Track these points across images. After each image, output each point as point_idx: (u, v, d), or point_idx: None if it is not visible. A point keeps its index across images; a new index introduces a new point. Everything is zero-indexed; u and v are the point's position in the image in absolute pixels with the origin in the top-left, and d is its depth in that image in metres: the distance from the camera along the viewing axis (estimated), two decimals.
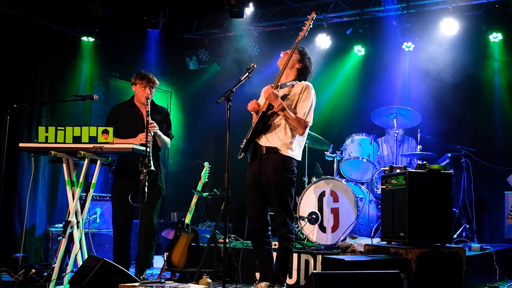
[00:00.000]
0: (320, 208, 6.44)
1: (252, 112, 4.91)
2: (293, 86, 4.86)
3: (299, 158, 4.86)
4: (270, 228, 4.81)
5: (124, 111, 5.69)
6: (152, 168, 5.03)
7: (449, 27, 7.49)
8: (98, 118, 8.00)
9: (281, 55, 4.97)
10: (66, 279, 4.96)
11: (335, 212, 6.36)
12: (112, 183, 5.72)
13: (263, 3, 8.26)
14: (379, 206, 6.36)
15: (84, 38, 7.68)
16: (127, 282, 4.41)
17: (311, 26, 4.85)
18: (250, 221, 4.79)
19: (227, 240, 4.74)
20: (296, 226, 6.38)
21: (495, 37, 7.35)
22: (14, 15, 6.95)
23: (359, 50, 8.23)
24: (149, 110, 5.32)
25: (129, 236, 5.61)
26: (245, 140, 4.76)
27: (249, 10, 8.04)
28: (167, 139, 5.69)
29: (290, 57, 4.80)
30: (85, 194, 5.31)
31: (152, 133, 5.32)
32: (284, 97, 4.78)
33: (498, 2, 7.16)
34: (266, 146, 4.76)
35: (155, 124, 5.40)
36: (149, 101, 5.40)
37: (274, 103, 4.68)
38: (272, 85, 4.76)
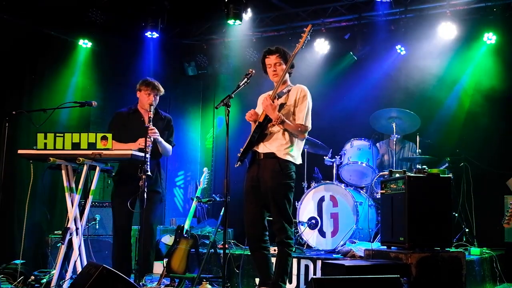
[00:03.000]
0: (320, 213, 6.43)
1: (250, 122, 4.90)
2: (289, 92, 4.85)
3: (298, 162, 4.84)
4: (267, 233, 4.79)
5: (127, 117, 5.70)
6: (149, 173, 5.01)
7: (447, 31, 7.51)
8: (96, 125, 7.99)
9: (267, 64, 4.88)
10: (66, 286, 4.95)
11: (334, 217, 6.36)
12: (112, 189, 5.72)
13: (261, 8, 8.26)
14: (379, 211, 6.35)
15: (81, 43, 7.66)
16: None
17: (308, 38, 4.83)
18: (248, 227, 4.78)
19: (226, 246, 4.73)
20: (295, 231, 6.37)
21: (490, 38, 7.38)
22: (11, 21, 6.96)
23: (357, 55, 8.22)
24: (152, 116, 5.34)
25: (130, 242, 5.60)
26: (242, 149, 4.76)
27: (247, 15, 8.05)
28: (168, 146, 5.69)
29: (286, 71, 4.80)
30: (84, 200, 5.30)
31: (152, 139, 5.32)
32: (281, 106, 4.78)
33: (496, 5, 7.18)
34: (264, 152, 4.75)
35: (156, 130, 5.40)
36: (152, 107, 5.43)
37: (272, 116, 4.68)
38: (270, 94, 4.76)
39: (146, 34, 8.11)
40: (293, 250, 4.83)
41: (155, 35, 8.20)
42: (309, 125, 4.83)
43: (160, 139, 5.52)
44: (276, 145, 4.73)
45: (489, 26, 7.33)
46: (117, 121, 5.71)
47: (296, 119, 4.78)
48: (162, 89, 5.68)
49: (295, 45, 4.82)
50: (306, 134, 4.87)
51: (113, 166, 5.52)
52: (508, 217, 4.95)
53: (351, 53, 8.20)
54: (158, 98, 5.65)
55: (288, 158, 4.72)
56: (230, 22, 7.76)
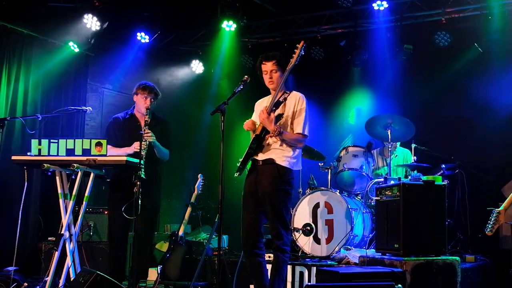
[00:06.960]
0: (315, 219, 6.41)
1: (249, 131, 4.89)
2: (285, 100, 4.83)
3: (297, 168, 4.83)
4: (263, 240, 4.78)
5: (124, 121, 5.70)
6: (143, 177, 4.99)
7: (441, 39, 7.54)
8: (91, 131, 7.97)
9: (264, 70, 4.88)
10: None
11: (329, 223, 6.34)
12: (108, 195, 5.70)
13: (257, 15, 8.28)
14: (374, 218, 6.34)
15: (71, 46, 7.64)
16: None
17: (302, 53, 4.80)
18: (244, 232, 4.76)
19: (221, 252, 4.72)
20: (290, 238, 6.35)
21: (480, 45, 7.43)
22: (6, 27, 6.95)
23: (352, 62, 8.23)
24: (148, 120, 5.33)
25: (125, 249, 5.58)
26: (241, 160, 4.75)
27: (242, 22, 8.04)
28: (165, 150, 5.68)
29: (282, 83, 4.79)
30: (78, 206, 5.27)
31: (148, 142, 5.31)
32: (279, 117, 4.77)
33: (491, 13, 7.23)
34: (263, 159, 4.75)
35: (151, 134, 5.39)
36: (149, 111, 5.42)
37: (269, 128, 4.68)
38: (266, 106, 4.74)
39: (138, 38, 8.11)
40: (289, 256, 4.82)
41: (147, 38, 8.19)
42: (307, 133, 4.82)
43: (156, 142, 5.50)
44: (275, 152, 4.73)
45: (483, 33, 7.37)
46: (113, 126, 5.71)
47: (294, 128, 4.78)
48: (159, 93, 5.69)
49: (291, 54, 4.81)
50: (303, 143, 4.86)
51: (108, 172, 5.50)
52: (491, 225, 4.95)
53: (346, 59, 8.20)
54: (155, 102, 5.65)
55: (287, 165, 4.72)
56: (224, 25, 7.76)
